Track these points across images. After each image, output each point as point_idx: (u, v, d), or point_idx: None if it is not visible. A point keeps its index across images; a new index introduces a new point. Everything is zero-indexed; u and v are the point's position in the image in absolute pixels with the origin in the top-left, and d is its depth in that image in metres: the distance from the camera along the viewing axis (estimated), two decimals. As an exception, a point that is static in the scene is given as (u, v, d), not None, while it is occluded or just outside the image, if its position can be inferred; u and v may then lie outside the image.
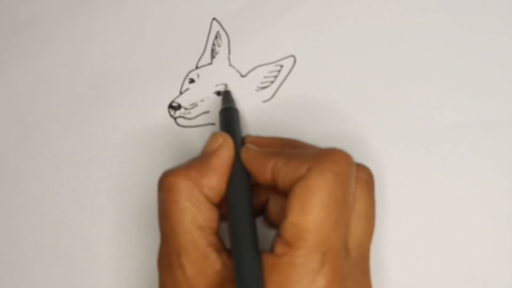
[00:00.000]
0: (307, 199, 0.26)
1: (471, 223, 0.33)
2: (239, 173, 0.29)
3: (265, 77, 0.36)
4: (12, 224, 0.35)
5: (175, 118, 0.36)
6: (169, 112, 0.36)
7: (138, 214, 0.35)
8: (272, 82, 0.36)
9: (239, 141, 0.31)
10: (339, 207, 0.26)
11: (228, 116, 0.33)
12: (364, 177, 0.28)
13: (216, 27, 0.37)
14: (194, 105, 0.36)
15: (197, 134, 0.35)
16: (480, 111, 0.34)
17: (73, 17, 0.38)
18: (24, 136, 0.37)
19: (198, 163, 0.28)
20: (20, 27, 0.38)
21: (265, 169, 0.28)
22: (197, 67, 0.37)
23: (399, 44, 0.35)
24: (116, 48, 0.37)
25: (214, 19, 0.37)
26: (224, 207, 0.29)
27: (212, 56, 0.37)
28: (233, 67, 0.36)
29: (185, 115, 0.36)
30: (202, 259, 0.27)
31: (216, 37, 0.37)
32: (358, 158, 0.33)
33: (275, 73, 0.36)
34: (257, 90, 0.36)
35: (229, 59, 0.36)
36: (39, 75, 0.38)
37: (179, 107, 0.36)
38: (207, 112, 0.36)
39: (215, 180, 0.28)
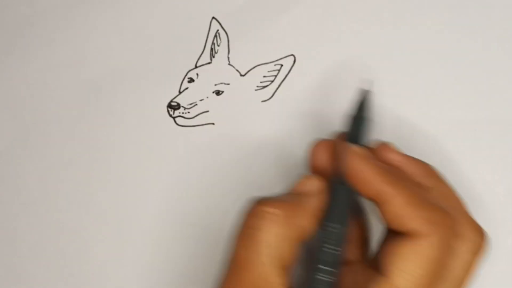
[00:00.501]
0: (415, 267, 0.24)
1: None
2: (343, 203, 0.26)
3: (264, 76, 0.36)
4: (12, 224, 0.35)
5: (174, 118, 0.36)
6: (168, 111, 0.36)
7: (138, 214, 0.35)
8: (271, 81, 0.36)
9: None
10: (438, 279, 0.25)
11: (359, 127, 0.29)
12: (478, 248, 0.27)
13: (215, 26, 0.37)
14: (193, 104, 0.36)
15: (196, 134, 0.35)
16: (480, 111, 0.34)
17: (72, 16, 0.38)
18: (24, 136, 0.37)
19: (292, 200, 0.26)
20: (20, 26, 0.38)
21: (377, 193, 0.25)
22: (196, 66, 0.36)
23: (399, 43, 0.35)
24: (115, 47, 0.37)
25: (213, 18, 0.37)
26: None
27: (212, 55, 0.37)
28: (233, 66, 0.36)
29: (184, 115, 0.36)
30: None
31: (215, 36, 0.37)
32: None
33: (275, 73, 0.36)
34: (256, 90, 0.36)
35: (228, 58, 0.36)
36: (38, 74, 0.38)
37: (178, 106, 0.36)
38: (206, 111, 0.36)
39: (310, 224, 0.26)
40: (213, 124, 0.36)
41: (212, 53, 0.37)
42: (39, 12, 0.39)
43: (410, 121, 0.34)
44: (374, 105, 0.29)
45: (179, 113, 0.36)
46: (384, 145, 0.28)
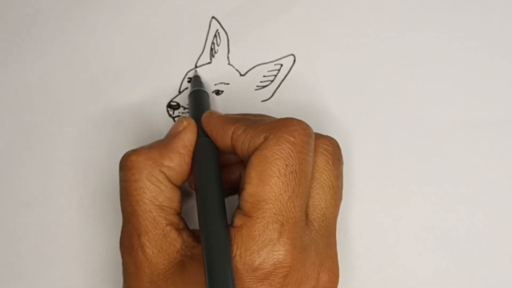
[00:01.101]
0: (264, 169, 0.26)
1: (471, 223, 0.33)
2: (207, 149, 0.29)
3: (264, 76, 0.36)
4: (11, 224, 0.35)
5: (174, 118, 0.36)
6: (168, 111, 0.36)
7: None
8: (271, 81, 0.36)
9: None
10: (296, 177, 0.26)
11: (197, 98, 0.33)
12: (329, 149, 0.29)
13: (215, 26, 0.37)
14: (193, 104, 0.36)
15: (196, 134, 0.35)
16: (480, 111, 0.34)
17: (72, 16, 0.38)
18: (24, 136, 0.37)
19: (160, 144, 0.29)
20: (20, 26, 0.38)
21: (226, 135, 0.28)
22: (196, 66, 0.36)
23: (399, 43, 0.35)
24: (115, 47, 0.37)
25: (213, 18, 0.37)
26: (192, 187, 0.29)
27: (211, 55, 0.36)
28: (233, 66, 0.36)
29: (184, 115, 0.36)
30: (161, 238, 0.27)
31: (215, 36, 0.37)
32: (357, 157, 0.33)
33: (275, 72, 0.36)
34: (256, 89, 0.36)
35: (228, 58, 0.36)
36: (38, 74, 0.38)
37: (178, 106, 0.36)
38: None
39: (176, 161, 0.28)
40: (213, 124, 0.36)
41: (212, 53, 0.37)
42: (39, 12, 0.39)
43: (410, 121, 0.34)
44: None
45: (179, 113, 0.36)
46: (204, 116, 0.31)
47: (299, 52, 0.36)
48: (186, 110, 0.36)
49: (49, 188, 0.36)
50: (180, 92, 0.36)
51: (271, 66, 0.36)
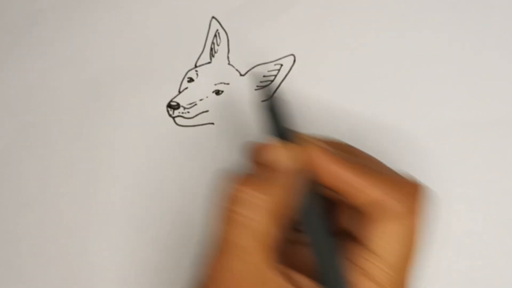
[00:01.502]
0: (412, 246, 0.25)
1: (471, 223, 0.33)
2: (312, 197, 0.27)
3: (264, 76, 0.36)
4: (12, 224, 0.35)
5: (173, 118, 0.36)
6: (167, 111, 0.36)
7: (137, 213, 0.35)
8: (271, 81, 0.36)
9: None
10: (418, 248, 0.26)
11: (278, 110, 0.28)
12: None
13: (215, 25, 0.37)
14: (193, 104, 0.36)
15: (196, 133, 0.35)
16: (480, 111, 0.34)
17: (72, 16, 0.38)
18: (24, 136, 0.37)
19: (269, 177, 0.26)
20: (21, 26, 0.38)
21: (334, 175, 0.25)
22: (196, 66, 0.36)
23: (399, 43, 0.35)
24: (116, 47, 0.37)
25: (213, 17, 0.37)
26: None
27: (211, 55, 0.36)
28: (233, 66, 0.36)
29: (184, 115, 0.36)
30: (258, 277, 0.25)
31: (215, 36, 0.37)
32: (357, 157, 0.33)
33: (275, 72, 0.36)
34: (256, 89, 0.36)
35: (228, 58, 0.36)
36: (38, 74, 0.38)
37: (178, 106, 0.36)
38: (206, 111, 0.36)
39: (285, 198, 0.26)
40: (213, 124, 0.35)
41: (212, 53, 0.36)
42: (40, 12, 0.39)
43: (410, 121, 0.34)
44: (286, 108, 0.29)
45: (179, 113, 0.36)
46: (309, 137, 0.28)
47: (299, 52, 0.36)
48: (186, 110, 0.36)
49: (49, 188, 0.36)
50: (180, 92, 0.36)
51: (271, 66, 0.36)
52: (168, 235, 0.34)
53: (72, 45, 0.38)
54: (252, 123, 0.35)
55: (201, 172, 0.35)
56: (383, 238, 0.25)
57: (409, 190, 0.26)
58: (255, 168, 0.27)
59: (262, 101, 0.29)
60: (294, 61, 0.36)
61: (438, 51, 0.35)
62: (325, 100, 0.35)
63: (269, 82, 0.36)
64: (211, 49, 0.37)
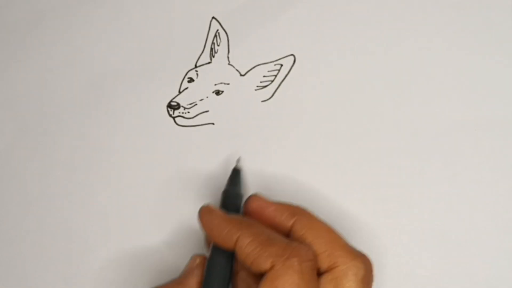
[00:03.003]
0: None
1: (471, 223, 0.33)
2: (218, 272, 0.29)
3: (264, 76, 0.36)
4: (12, 224, 0.35)
5: (174, 118, 0.36)
6: (168, 111, 0.36)
7: (137, 213, 0.35)
8: (271, 81, 0.36)
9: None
10: None
11: (228, 199, 0.32)
12: (361, 273, 0.28)
13: (215, 26, 0.37)
14: (193, 104, 0.36)
15: (196, 134, 0.35)
16: (480, 111, 0.34)
17: (72, 16, 0.38)
18: (23, 135, 0.37)
19: (175, 282, 0.30)
20: (20, 26, 0.38)
21: (229, 240, 0.28)
22: (196, 66, 0.36)
23: (399, 43, 0.35)
24: (115, 47, 0.37)
25: (213, 18, 0.37)
26: None
27: (212, 55, 0.36)
28: (233, 66, 0.36)
29: (184, 115, 0.36)
30: None
31: (215, 36, 0.37)
32: (357, 157, 0.33)
33: (275, 72, 0.36)
34: (256, 89, 0.36)
35: (228, 58, 0.36)
36: (38, 74, 0.38)
37: (178, 106, 0.36)
38: (206, 111, 0.36)
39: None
40: (213, 124, 0.35)
41: (212, 53, 0.36)
42: (39, 12, 0.39)
43: (410, 120, 0.34)
44: (244, 182, 0.33)
45: (179, 113, 0.36)
46: (251, 198, 0.31)
47: (299, 52, 0.36)
48: (187, 110, 0.36)
49: (49, 188, 0.36)
50: (180, 92, 0.36)
51: (271, 66, 0.36)
52: (168, 235, 0.34)
53: (72, 45, 0.38)
54: (252, 123, 0.35)
55: (201, 172, 0.35)
56: None
57: (275, 253, 0.27)
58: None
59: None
60: (294, 61, 0.36)
61: (438, 51, 0.35)
62: (325, 100, 0.35)
63: (269, 82, 0.36)
64: (211, 49, 0.37)
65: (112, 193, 0.35)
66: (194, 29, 0.37)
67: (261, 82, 0.36)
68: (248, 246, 0.27)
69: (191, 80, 0.36)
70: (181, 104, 0.36)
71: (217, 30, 0.37)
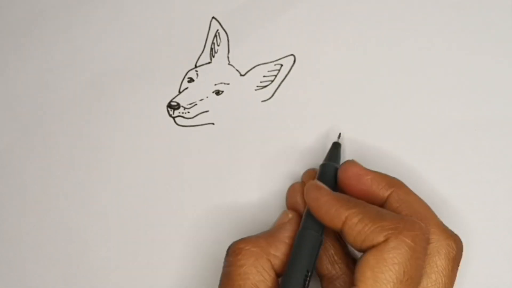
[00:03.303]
0: (382, 272, 0.25)
1: (471, 223, 0.33)
2: (309, 241, 0.29)
3: (264, 76, 0.36)
4: (12, 224, 0.35)
5: (174, 118, 0.36)
6: (168, 111, 0.36)
7: (137, 213, 0.35)
8: (271, 81, 0.36)
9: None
10: (411, 283, 0.26)
11: (328, 174, 0.31)
12: (453, 253, 0.28)
13: (215, 26, 0.37)
14: (193, 104, 0.36)
15: (196, 134, 0.35)
16: (480, 111, 0.34)
17: (72, 16, 0.38)
18: (24, 136, 0.37)
19: (267, 234, 0.29)
20: (20, 26, 0.38)
21: (338, 219, 0.27)
22: (196, 66, 0.36)
23: (399, 43, 0.35)
24: (115, 47, 0.37)
25: (213, 18, 0.37)
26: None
27: (211, 55, 0.36)
28: (233, 66, 0.36)
29: (184, 115, 0.36)
30: None
31: (215, 36, 0.37)
32: (357, 157, 0.33)
33: (275, 72, 0.36)
34: (256, 89, 0.36)
35: (228, 58, 0.36)
36: (38, 74, 0.38)
37: (178, 106, 0.36)
38: (206, 111, 0.36)
39: (282, 250, 0.29)
40: (213, 124, 0.35)
41: (212, 53, 0.36)
42: (39, 12, 0.39)
43: (410, 120, 0.34)
44: (342, 156, 0.33)
45: (179, 113, 0.36)
46: (348, 163, 0.30)
47: (299, 52, 0.36)
48: (187, 110, 0.36)
49: (49, 188, 0.36)
50: (180, 92, 0.36)
51: (271, 66, 0.36)
52: (169, 235, 0.34)
53: (72, 45, 0.38)
54: (252, 123, 0.35)
55: (201, 172, 0.35)
56: (359, 270, 0.26)
57: (389, 226, 0.26)
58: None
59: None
60: (294, 61, 0.36)
61: (438, 51, 0.35)
62: (325, 100, 0.35)
63: (269, 82, 0.36)
64: (211, 49, 0.37)
65: (112, 193, 0.35)
66: (194, 29, 0.37)
67: (261, 82, 0.36)
68: (359, 224, 0.27)
69: (191, 80, 0.36)
70: (181, 104, 0.36)
71: (217, 30, 0.37)
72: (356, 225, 0.27)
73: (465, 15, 0.35)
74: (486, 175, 0.33)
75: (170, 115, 0.36)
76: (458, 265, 0.28)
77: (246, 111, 0.35)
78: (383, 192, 0.29)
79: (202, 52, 0.37)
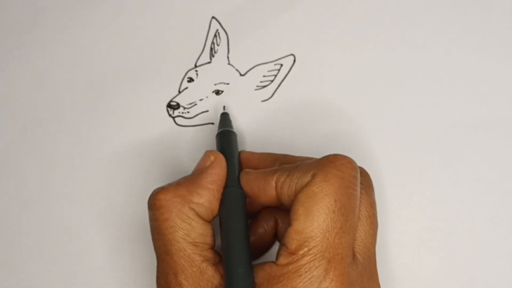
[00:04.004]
0: (312, 205, 0.25)
1: (472, 223, 0.33)
2: (233, 193, 0.29)
3: (264, 76, 0.36)
4: (12, 224, 0.35)
5: (173, 117, 0.36)
6: (167, 111, 0.36)
7: (137, 214, 0.35)
8: (271, 81, 0.36)
9: (236, 164, 0.30)
10: (345, 212, 0.26)
11: (225, 139, 0.32)
12: (362, 179, 0.28)
13: (215, 25, 0.37)
14: (193, 104, 0.36)
15: (196, 133, 0.35)
16: (480, 111, 0.34)
17: (72, 16, 0.38)
18: (24, 136, 0.37)
19: (188, 180, 0.29)
20: (20, 26, 0.38)
21: (269, 186, 0.27)
22: (196, 66, 0.36)
23: (399, 43, 0.35)
24: (115, 47, 0.37)
25: (213, 17, 0.37)
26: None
27: (211, 55, 0.36)
28: (232, 66, 0.36)
29: (184, 114, 0.36)
30: (199, 275, 0.27)
31: (215, 35, 0.37)
32: (357, 158, 0.33)
33: (275, 72, 0.36)
34: (256, 89, 0.36)
35: (228, 58, 0.36)
36: (38, 74, 0.38)
37: (177, 106, 0.36)
38: (206, 111, 0.36)
39: (205, 197, 0.28)
40: (213, 124, 0.35)
41: (212, 53, 0.36)
42: (39, 12, 0.39)
43: (410, 120, 0.34)
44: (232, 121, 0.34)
45: (179, 113, 0.36)
46: (246, 153, 0.32)
47: (299, 52, 0.36)
48: (186, 110, 0.36)
49: (49, 188, 0.36)
50: (180, 92, 0.36)
51: (271, 66, 0.36)
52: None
53: (72, 45, 0.38)
54: (252, 123, 0.35)
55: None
56: (292, 211, 0.26)
57: (314, 165, 0.26)
58: None
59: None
60: (294, 61, 0.36)
61: (438, 51, 0.35)
62: (325, 100, 0.35)
63: (269, 82, 0.36)
64: (211, 49, 0.37)
65: (112, 193, 0.35)
66: (194, 29, 0.37)
67: (261, 82, 0.36)
68: (288, 178, 0.27)
69: (191, 80, 0.36)
70: (181, 104, 0.36)
71: (217, 30, 0.37)
72: (285, 181, 0.27)
73: (465, 15, 0.35)
74: (486, 175, 0.33)
75: (170, 115, 0.36)
76: (370, 188, 0.29)
77: (246, 111, 0.35)
78: (274, 164, 0.30)
79: (202, 52, 0.37)
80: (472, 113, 0.34)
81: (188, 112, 0.36)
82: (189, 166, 0.35)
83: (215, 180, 0.29)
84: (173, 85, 0.36)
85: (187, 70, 0.36)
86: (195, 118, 0.36)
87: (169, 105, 0.36)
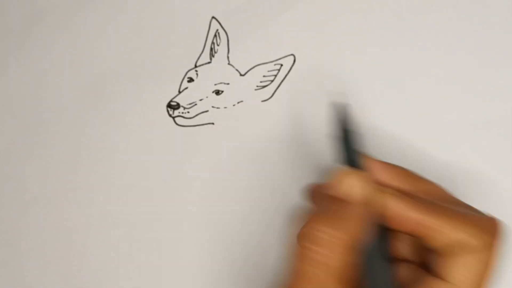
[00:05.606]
0: (485, 278, 0.26)
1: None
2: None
3: (264, 76, 0.36)
4: (12, 224, 0.35)
5: (173, 118, 0.36)
6: (167, 111, 0.36)
7: (137, 214, 0.35)
8: (271, 81, 0.36)
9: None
10: (492, 279, 0.26)
11: (351, 143, 0.28)
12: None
13: (215, 25, 0.37)
14: (193, 104, 0.36)
15: (196, 134, 0.35)
16: (480, 111, 0.34)
17: (72, 16, 0.38)
18: (24, 135, 0.37)
19: (338, 212, 0.26)
20: (20, 26, 0.38)
21: (412, 220, 0.26)
22: (196, 66, 0.36)
23: (399, 43, 0.35)
24: (115, 47, 0.37)
25: (213, 17, 0.37)
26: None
27: (211, 55, 0.36)
28: (232, 66, 0.36)
29: (184, 115, 0.36)
30: None
31: (215, 35, 0.37)
32: (357, 158, 0.33)
33: (275, 72, 0.36)
34: (256, 89, 0.36)
35: (228, 58, 0.36)
36: (38, 74, 0.38)
37: (177, 106, 0.36)
38: (206, 111, 0.36)
39: (355, 232, 0.26)
40: (213, 124, 0.35)
41: (212, 53, 0.36)
42: (39, 12, 0.39)
43: (410, 120, 0.34)
44: (355, 117, 0.29)
45: (179, 113, 0.36)
46: (373, 161, 0.28)
47: (299, 52, 0.36)
48: (186, 110, 0.36)
49: (49, 188, 0.36)
50: (180, 92, 0.36)
51: (271, 66, 0.36)
52: (168, 235, 0.34)
53: (72, 45, 0.38)
54: (252, 123, 0.35)
55: (201, 172, 0.35)
56: (459, 271, 0.26)
57: (486, 226, 0.26)
58: (319, 204, 0.28)
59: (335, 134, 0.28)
60: (294, 61, 0.36)
61: (439, 51, 0.35)
62: (325, 100, 0.35)
63: (269, 82, 0.36)
64: (211, 49, 0.37)
65: (112, 193, 0.35)
66: (194, 29, 0.37)
67: (261, 82, 0.36)
68: (438, 222, 0.26)
69: (191, 80, 0.36)
70: (181, 104, 0.36)
71: (217, 30, 0.37)
72: (434, 224, 0.26)
73: (465, 15, 0.35)
74: (486, 175, 0.33)
75: (170, 115, 0.36)
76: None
77: (246, 111, 0.35)
78: (407, 182, 0.28)
79: (202, 52, 0.37)
80: (472, 113, 0.34)
81: (188, 112, 0.36)
82: (189, 166, 0.35)
83: (366, 211, 0.26)
84: (173, 85, 0.36)
85: (187, 70, 0.36)
86: (195, 118, 0.36)
87: (169, 105, 0.36)
